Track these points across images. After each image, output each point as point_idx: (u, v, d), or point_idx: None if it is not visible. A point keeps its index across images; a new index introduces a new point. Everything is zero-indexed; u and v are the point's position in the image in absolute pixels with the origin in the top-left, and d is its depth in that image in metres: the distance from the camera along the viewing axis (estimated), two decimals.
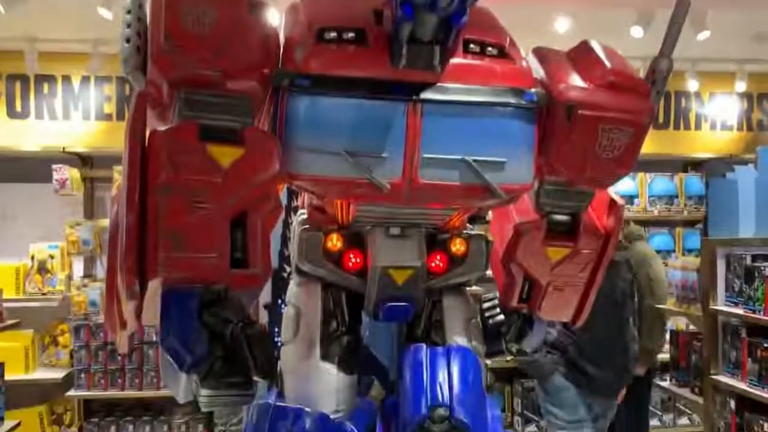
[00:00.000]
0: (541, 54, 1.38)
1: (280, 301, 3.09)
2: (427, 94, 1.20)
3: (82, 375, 4.48)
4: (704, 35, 3.72)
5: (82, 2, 3.50)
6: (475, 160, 1.23)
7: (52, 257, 4.62)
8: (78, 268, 4.92)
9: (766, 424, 3.43)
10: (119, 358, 4.45)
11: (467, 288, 1.50)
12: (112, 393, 4.50)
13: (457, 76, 1.22)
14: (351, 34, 1.20)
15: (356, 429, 1.30)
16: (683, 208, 5.15)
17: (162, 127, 1.19)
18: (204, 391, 1.11)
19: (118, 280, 1.17)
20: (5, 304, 4.40)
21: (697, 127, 5.38)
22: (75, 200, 4.86)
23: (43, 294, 4.61)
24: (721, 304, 3.71)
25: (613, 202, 1.49)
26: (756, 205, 4.15)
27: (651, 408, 4.58)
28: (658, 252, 4.44)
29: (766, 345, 3.44)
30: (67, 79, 4.74)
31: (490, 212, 1.57)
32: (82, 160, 4.91)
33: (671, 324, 4.64)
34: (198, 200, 1.13)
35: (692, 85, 4.93)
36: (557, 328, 3.17)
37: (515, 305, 1.52)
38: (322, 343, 1.37)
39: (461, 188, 1.25)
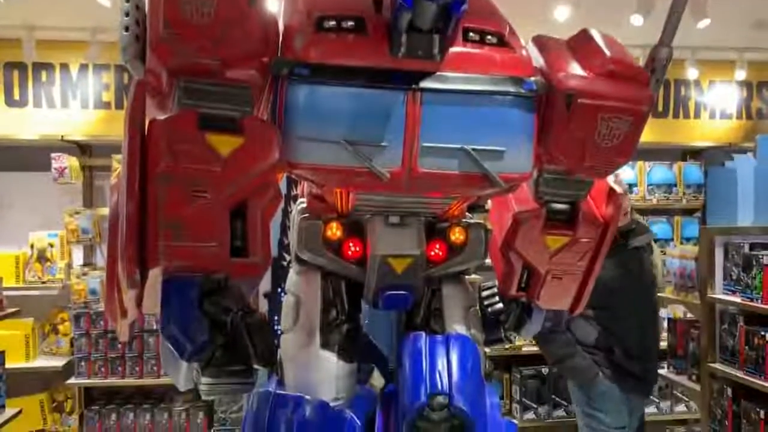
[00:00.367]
0: (540, 42, 1.37)
1: (279, 290, 3.09)
2: (426, 83, 1.20)
3: (83, 363, 4.49)
4: (704, 23, 3.71)
5: None
6: (474, 149, 1.23)
7: (51, 246, 4.63)
8: (77, 256, 4.93)
9: (762, 412, 3.45)
10: (119, 346, 4.47)
11: (466, 276, 1.51)
12: (113, 381, 4.52)
13: (457, 64, 1.22)
14: (350, 23, 1.19)
15: (356, 417, 1.31)
16: (682, 197, 5.15)
17: (161, 116, 1.19)
18: (204, 379, 1.12)
19: (118, 268, 1.17)
20: (5, 293, 4.41)
21: (697, 115, 5.37)
22: (74, 189, 4.86)
23: (43, 282, 4.62)
24: (718, 293, 3.73)
25: (612, 191, 1.49)
26: (755, 193, 4.16)
27: None
28: (657, 241, 4.45)
29: (763, 333, 3.46)
30: (65, 67, 4.72)
31: (489, 201, 1.58)
32: (81, 149, 4.90)
33: (669, 312, 4.66)
34: (197, 189, 1.14)
35: (692, 73, 4.92)
36: (597, 329, 3.13)
37: (514, 294, 1.53)
38: (322, 331, 1.38)
39: (460, 177, 1.25)
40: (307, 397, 1.33)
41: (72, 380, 4.51)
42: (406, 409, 1.25)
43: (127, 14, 1.21)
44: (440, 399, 1.23)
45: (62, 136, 4.69)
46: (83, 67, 4.71)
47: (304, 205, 1.46)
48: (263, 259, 1.20)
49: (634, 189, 5.06)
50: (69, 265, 4.73)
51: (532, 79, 1.26)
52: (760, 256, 3.48)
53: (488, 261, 1.53)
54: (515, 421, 2.25)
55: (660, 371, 4.21)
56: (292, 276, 1.46)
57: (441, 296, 1.44)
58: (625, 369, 3.12)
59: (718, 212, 4.65)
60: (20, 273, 4.60)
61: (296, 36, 1.21)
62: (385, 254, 1.34)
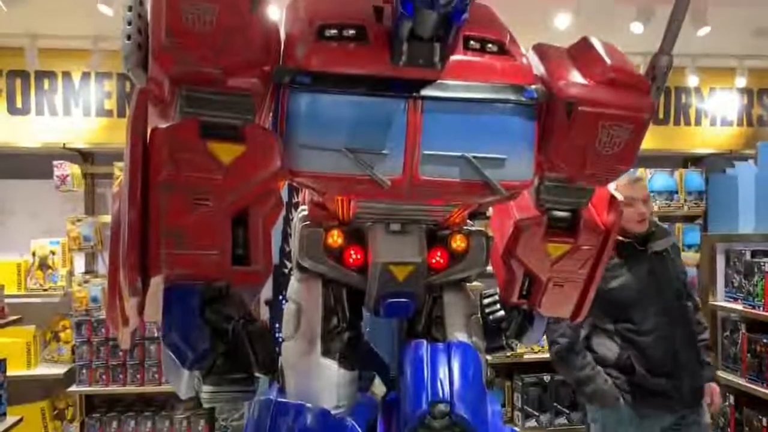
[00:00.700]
0: (541, 51, 1.38)
1: (281, 297, 3.10)
2: (427, 91, 1.20)
3: (84, 370, 4.49)
4: (704, 31, 3.72)
5: None
6: (475, 157, 1.23)
7: (53, 253, 4.63)
8: (79, 264, 4.93)
9: (765, 419, 3.44)
10: (121, 353, 4.46)
11: (468, 283, 1.51)
12: (114, 388, 4.52)
13: (458, 73, 1.22)
14: (351, 32, 1.20)
15: (357, 424, 1.31)
16: (683, 204, 5.15)
17: (163, 125, 1.20)
18: (206, 387, 1.12)
19: (120, 276, 1.18)
20: (6, 300, 4.41)
21: (697, 122, 5.37)
22: (76, 196, 4.87)
23: (45, 290, 4.62)
24: (720, 300, 3.73)
25: (613, 198, 1.49)
26: (756, 200, 4.16)
27: None
28: None
29: (765, 340, 3.46)
30: (67, 75, 4.74)
31: (490, 208, 1.58)
32: (83, 156, 4.92)
33: None
34: (199, 197, 1.14)
35: (692, 80, 4.92)
36: (619, 344, 2.91)
37: (516, 301, 1.53)
38: (323, 339, 1.38)
39: (461, 185, 1.25)
40: (308, 404, 1.32)
41: (73, 388, 4.51)
42: (407, 417, 1.25)
43: (129, 23, 1.22)
44: (442, 407, 1.23)
45: (64, 144, 4.70)
46: (85, 75, 4.73)
47: (306, 212, 1.47)
48: (265, 267, 1.20)
49: None
50: (70, 273, 4.73)
51: (533, 87, 1.26)
52: (762, 263, 3.49)
53: (489, 268, 1.53)
54: (517, 429, 2.24)
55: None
56: (294, 283, 1.46)
57: (442, 304, 1.44)
58: (647, 389, 2.88)
59: (719, 219, 4.64)
60: (22, 280, 4.61)
61: (298, 44, 1.21)
62: (387, 262, 1.34)
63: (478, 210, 1.49)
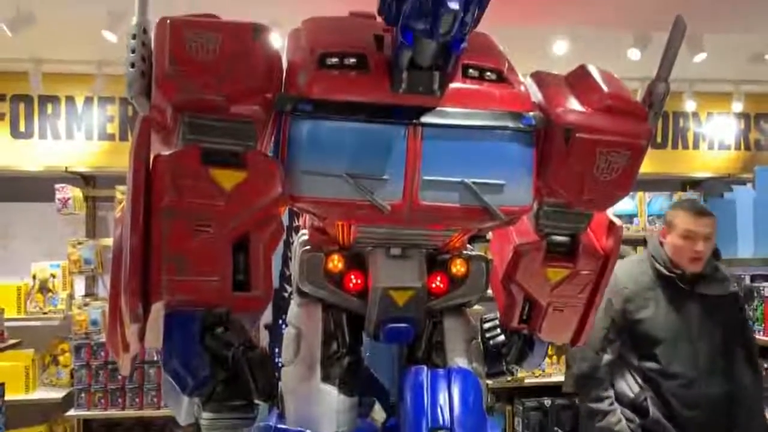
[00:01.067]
0: (539, 78, 1.40)
1: (281, 322, 3.09)
2: (427, 118, 1.22)
3: (83, 394, 4.45)
4: (700, 57, 3.76)
5: (87, 25, 3.54)
6: (474, 183, 1.24)
7: (53, 276, 4.63)
8: (79, 286, 4.92)
9: None
10: (120, 377, 4.43)
11: (468, 308, 1.51)
12: (113, 412, 4.48)
13: (457, 100, 1.24)
14: (352, 60, 1.22)
15: None
16: None
17: (166, 151, 1.21)
18: (206, 414, 1.12)
19: (121, 302, 1.18)
20: (6, 324, 4.40)
21: (695, 146, 5.41)
22: (77, 219, 4.88)
23: (44, 313, 4.61)
24: None
25: (611, 223, 1.50)
26: (754, 224, 4.16)
27: None
28: None
29: (766, 366, 3.44)
30: (70, 99, 4.78)
31: (490, 232, 1.58)
32: (85, 180, 4.94)
33: None
34: (201, 224, 1.15)
35: (690, 105, 4.96)
36: (639, 383, 2.68)
37: (516, 326, 1.53)
38: (323, 364, 1.37)
39: (461, 210, 1.26)
40: (308, 431, 1.32)
41: (71, 412, 4.47)
42: None
43: (133, 51, 1.23)
44: None
45: (66, 167, 4.72)
46: (88, 100, 4.77)
47: (306, 237, 1.47)
48: (265, 294, 1.20)
49: (635, 219, 5.07)
50: (71, 296, 4.72)
51: (531, 114, 1.28)
52: (761, 288, 3.49)
53: (489, 292, 1.53)
54: None
55: None
56: (293, 308, 1.47)
57: (442, 329, 1.44)
58: (665, 428, 2.67)
59: (718, 243, 4.63)
60: (22, 304, 4.60)
61: (299, 72, 1.23)
62: (387, 286, 1.34)
63: (478, 234, 1.50)
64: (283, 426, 1.36)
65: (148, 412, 4.49)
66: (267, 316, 3.15)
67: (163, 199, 1.14)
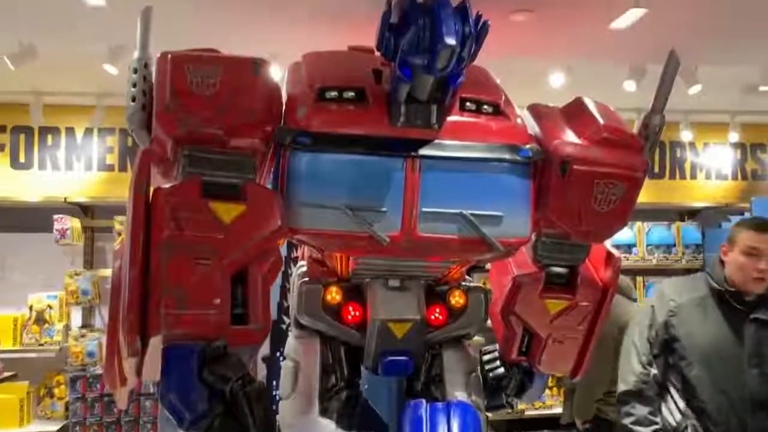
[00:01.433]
0: (536, 111, 1.41)
1: (278, 354, 3.07)
2: (424, 151, 1.23)
3: (78, 428, 4.38)
4: (695, 89, 3.80)
5: (88, 59, 3.58)
6: (472, 214, 1.25)
7: (50, 307, 4.59)
8: (76, 317, 4.88)
9: None
10: (115, 410, 4.38)
11: (467, 339, 1.50)
12: None
13: (454, 133, 1.25)
14: (351, 94, 1.23)
15: None
16: (681, 257, 5.14)
17: (166, 183, 1.22)
18: None
19: (119, 335, 1.17)
20: (1, 356, 4.35)
21: (693, 176, 5.43)
22: (75, 250, 4.86)
23: (40, 344, 4.56)
24: None
25: (610, 254, 1.50)
26: None
27: None
28: None
29: None
30: (70, 130, 4.80)
31: (489, 263, 1.58)
32: (83, 210, 4.93)
33: None
34: (200, 257, 1.15)
35: (686, 135, 4.99)
36: (681, 407, 2.41)
37: (515, 358, 1.52)
38: (321, 398, 1.36)
39: (459, 242, 1.27)
40: None
41: None
42: None
43: (134, 85, 1.25)
44: None
45: (65, 198, 4.73)
46: (88, 131, 4.80)
47: (304, 269, 1.47)
48: (263, 327, 1.20)
49: (634, 249, 5.07)
50: (67, 327, 4.68)
51: (528, 146, 1.29)
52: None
53: (489, 322, 1.53)
54: None
55: None
56: (291, 341, 1.46)
57: (441, 361, 1.44)
58: None
59: None
60: (18, 335, 4.55)
61: (299, 106, 1.25)
62: (385, 319, 1.34)
63: (477, 264, 1.50)
64: None
65: None
66: (264, 349, 3.13)
67: (163, 232, 1.15)
